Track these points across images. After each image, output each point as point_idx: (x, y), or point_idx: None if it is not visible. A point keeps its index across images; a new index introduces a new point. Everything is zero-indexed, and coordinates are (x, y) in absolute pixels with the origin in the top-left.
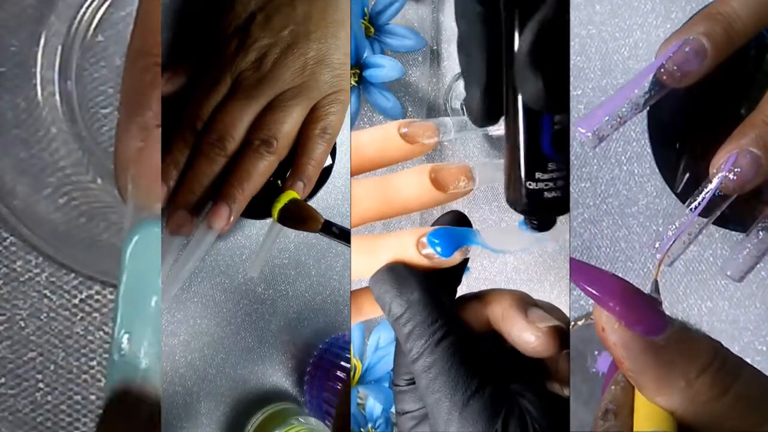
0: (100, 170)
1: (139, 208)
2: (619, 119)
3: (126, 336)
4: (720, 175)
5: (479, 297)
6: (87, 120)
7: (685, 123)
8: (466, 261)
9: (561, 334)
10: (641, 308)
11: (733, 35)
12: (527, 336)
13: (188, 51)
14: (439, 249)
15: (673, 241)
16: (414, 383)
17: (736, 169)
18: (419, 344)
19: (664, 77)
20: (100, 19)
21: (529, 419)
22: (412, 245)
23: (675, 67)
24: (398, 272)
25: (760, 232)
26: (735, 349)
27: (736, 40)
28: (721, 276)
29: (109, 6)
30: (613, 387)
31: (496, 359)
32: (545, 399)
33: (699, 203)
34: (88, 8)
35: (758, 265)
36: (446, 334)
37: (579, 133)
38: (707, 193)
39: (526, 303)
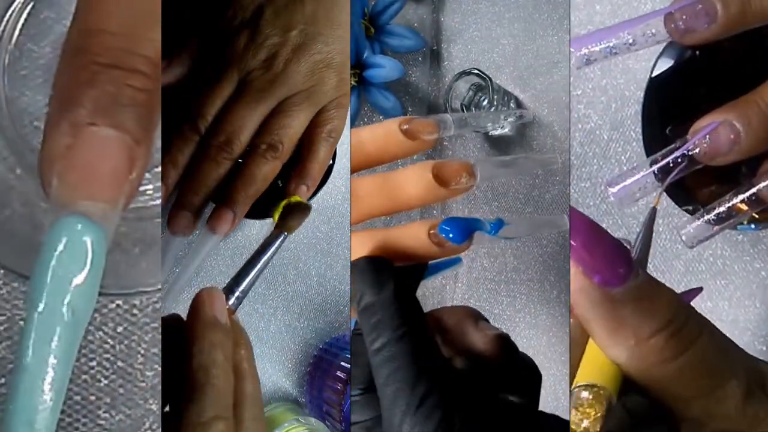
0: (26, 166)
1: (63, 204)
2: (610, 49)
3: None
4: (695, 138)
5: (431, 313)
6: (13, 112)
7: (679, 108)
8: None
9: (506, 341)
10: (602, 256)
11: (748, 12)
12: (475, 340)
13: (188, 40)
14: (451, 235)
15: (625, 184)
16: (365, 393)
17: (713, 136)
18: (384, 337)
19: (668, 26)
20: (37, 19)
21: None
22: (424, 234)
23: (682, 19)
24: (376, 265)
25: (720, 209)
26: None
27: (750, 18)
28: (721, 276)
29: (45, 8)
30: (572, 324)
31: (450, 367)
32: (506, 411)
33: (662, 159)
34: (17, 5)
35: (757, 265)
36: (408, 332)
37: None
38: (675, 151)
39: (476, 316)
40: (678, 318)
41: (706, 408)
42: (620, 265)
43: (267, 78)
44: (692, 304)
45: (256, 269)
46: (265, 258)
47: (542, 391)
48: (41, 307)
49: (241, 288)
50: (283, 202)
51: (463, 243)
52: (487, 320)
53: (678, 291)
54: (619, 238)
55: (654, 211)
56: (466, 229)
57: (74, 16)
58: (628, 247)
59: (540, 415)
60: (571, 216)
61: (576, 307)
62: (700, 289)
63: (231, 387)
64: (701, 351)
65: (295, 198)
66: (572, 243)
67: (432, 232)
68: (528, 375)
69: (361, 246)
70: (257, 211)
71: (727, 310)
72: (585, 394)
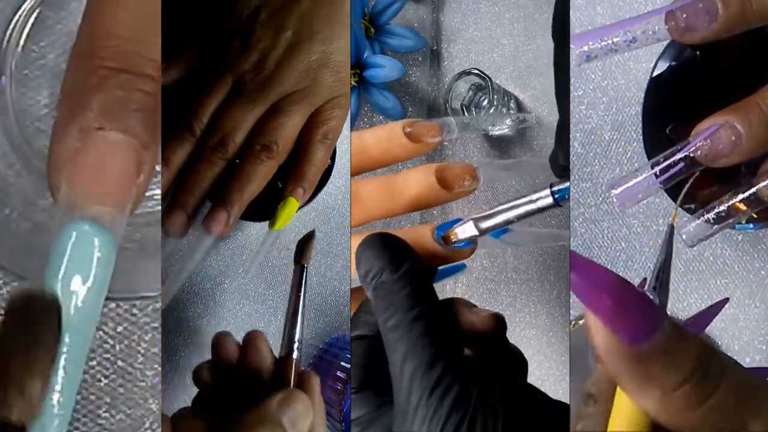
0: (26, 165)
1: (72, 208)
2: (612, 45)
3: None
4: (696, 140)
5: None
6: (19, 117)
7: (680, 108)
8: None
9: (500, 319)
10: (629, 314)
11: (748, 12)
12: (471, 318)
13: (186, 43)
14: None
15: (627, 186)
16: (360, 391)
17: (714, 138)
18: (399, 314)
19: (668, 24)
20: (37, 20)
21: (500, 409)
22: (429, 237)
23: (682, 17)
24: (391, 241)
25: (720, 208)
26: (735, 348)
27: (751, 18)
28: (721, 276)
29: (46, 8)
30: (598, 373)
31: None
32: (514, 393)
33: (664, 161)
34: (24, 9)
35: (757, 265)
36: (423, 312)
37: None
38: (676, 153)
39: (468, 304)
40: (702, 363)
41: None
42: (647, 321)
43: (259, 80)
44: (690, 303)
45: (300, 313)
46: (302, 297)
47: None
48: None
49: (297, 337)
50: (281, 206)
51: (469, 246)
52: (477, 306)
53: (678, 291)
54: (636, 280)
55: (671, 228)
56: None
57: (83, 20)
58: (645, 285)
59: (543, 397)
60: (597, 274)
61: (604, 364)
62: (726, 300)
63: None
64: (725, 393)
65: (293, 201)
66: (600, 302)
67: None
68: (516, 362)
69: None
70: (256, 213)
71: (726, 310)
72: None
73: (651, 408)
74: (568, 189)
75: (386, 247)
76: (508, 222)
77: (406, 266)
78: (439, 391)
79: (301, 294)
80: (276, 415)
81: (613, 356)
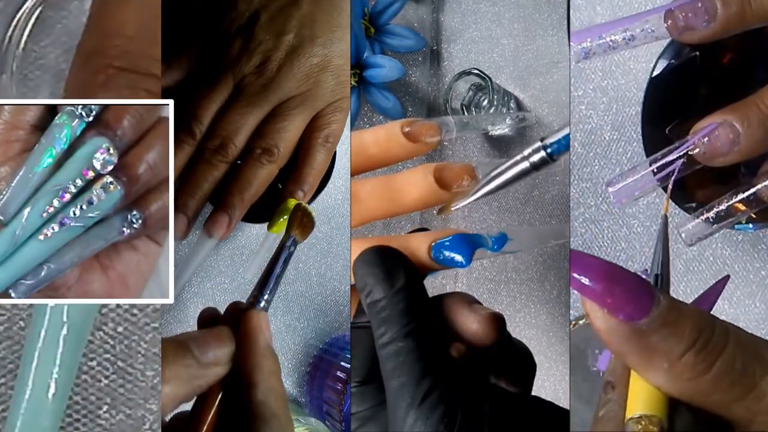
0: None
1: None
2: (610, 43)
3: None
4: (694, 138)
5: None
6: None
7: (679, 108)
8: None
9: (500, 321)
10: (623, 295)
11: (747, 12)
12: (470, 322)
13: (187, 45)
14: (458, 258)
15: (624, 184)
16: (363, 384)
17: (712, 137)
18: (391, 332)
19: (667, 23)
20: (38, 19)
21: (486, 422)
22: (424, 252)
23: (681, 16)
24: (386, 256)
25: (720, 208)
26: None
27: (750, 18)
28: (721, 275)
29: (47, 8)
30: (613, 360)
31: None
32: (504, 402)
33: (662, 159)
34: (25, 9)
35: (757, 265)
36: (416, 329)
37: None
38: (675, 151)
39: (469, 300)
40: (704, 332)
41: (748, 408)
42: (641, 298)
43: (260, 83)
44: (689, 302)
45: (275, 276)
46: (281, 265)
47: (543, 392)
48: (47, 313)
49: (266, 298)
50: (281, 209)
51: (468, 265)
52: (480, 303)
53: (678, 291)
54: (638, 271)
55: (665, 218)
56: (471, 249)
57: (89, 19)
58: (645, 275)
59: (538, 401)
60: (584, 261)
61: (609, 345)
62: (727, 277)
63: (289, 415)
64: (731, 357)
65: (293, 203)
66: (591, 287)
67: (437, 250)
68: (522, 358)
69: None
70: (256, 215)
71: (727, 310)
72: (635, 427)
73: (661, 382)
74: (563, 140)
75: (381, 264)
76: (506, 184)
77: (401, 283)
78: (426, 404)
79: (282, 257)
80: (184, 339)
81: (614, 336)
